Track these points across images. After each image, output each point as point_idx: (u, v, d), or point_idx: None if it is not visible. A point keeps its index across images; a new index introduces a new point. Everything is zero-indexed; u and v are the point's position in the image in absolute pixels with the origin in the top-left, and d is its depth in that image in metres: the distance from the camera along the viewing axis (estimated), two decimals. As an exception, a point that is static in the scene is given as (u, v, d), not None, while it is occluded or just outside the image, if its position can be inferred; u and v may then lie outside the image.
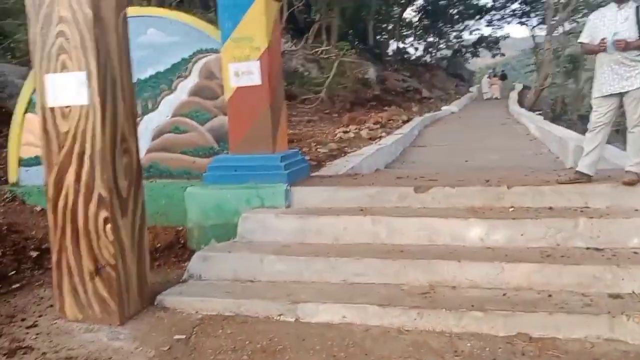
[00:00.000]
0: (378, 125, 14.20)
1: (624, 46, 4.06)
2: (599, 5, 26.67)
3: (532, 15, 37.02)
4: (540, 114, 18.84)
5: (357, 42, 28.48)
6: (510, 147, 11.02)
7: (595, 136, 4.30)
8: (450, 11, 39.26)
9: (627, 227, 3.69)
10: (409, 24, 39.58)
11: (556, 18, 27.12)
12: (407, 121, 15.69)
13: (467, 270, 3.54)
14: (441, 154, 10.53)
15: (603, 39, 4.15)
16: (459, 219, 4.00)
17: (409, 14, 38.65)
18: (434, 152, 10.86)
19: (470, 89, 34.35)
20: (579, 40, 4.50)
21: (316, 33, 22.82)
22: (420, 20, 39.85)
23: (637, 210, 3.92)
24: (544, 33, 29.79)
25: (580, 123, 24.35)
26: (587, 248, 3.68)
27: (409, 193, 4.47)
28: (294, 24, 23.83)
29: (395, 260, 3.69)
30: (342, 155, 8.93)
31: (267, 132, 4.81)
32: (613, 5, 4.27)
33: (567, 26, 29.51)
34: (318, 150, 9.35)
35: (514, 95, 27.87)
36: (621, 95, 4.17)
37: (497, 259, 3.56)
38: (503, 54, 45.11)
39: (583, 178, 4.28)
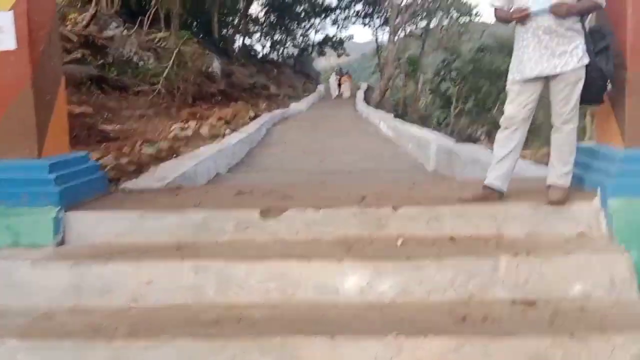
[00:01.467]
0: (222, 122, 12.60)
1: (565, 12, 2.93)
2: (437, 11, 27.48)
3: (375, 16, 37.76)
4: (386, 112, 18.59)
5: (201, 35, 26.47)
6: (365, 148, 10.08)
7: (510, 136, 3.11)
8: (297, 8, 38.66)
9: (563, 268, 2.56)
10: (256, 20, 38.29)
11: (398, 20, 27.58)
12: (255, 118, 14.28)
13: (344, 354, 2.17)
14: (293, 154, 9.25)
15: (524, 9, 3.00)
16: (327, 261, 2.62)
17: (256, 9, 37.38)
18: (285, 153, 9.56)
19: (319, 87, 33.91)
20: (492, 4, 3.28)
21: (154, 20, 20.52)
22: (267, 16, 38.75)
23: (568, 240, 2.82)
24: (386, 36, 30.42)
25: (419, 122, 24.96)
26: (514, 302, 2.49)
27: (253, 219, 2.98)
28: (127, 7, 21.22)
29: (229, 341, 2.20)
30: (174, 156, 7.25)
31: (28, 125, 3.03)
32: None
33: (408, 29, 30.36)
34: (142, 151, 7.54)
35: (360, 95, 27.80)
36: (548, 79, 3.07)
37: (389, 328, 2.24)
38: (348, 54, 45.73)
39: (493, 195, 3.13)
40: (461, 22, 31.21)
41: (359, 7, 38.95)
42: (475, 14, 31.51)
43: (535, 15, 2.98)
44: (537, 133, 12.95)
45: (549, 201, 2.95)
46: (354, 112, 20.72)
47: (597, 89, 3.02)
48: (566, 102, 3.00)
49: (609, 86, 3.08)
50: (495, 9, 3.22)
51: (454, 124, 29.65)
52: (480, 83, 30.18)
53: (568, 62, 2.96)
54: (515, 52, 3.13)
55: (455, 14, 31.02)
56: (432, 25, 31.14)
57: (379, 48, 36.40)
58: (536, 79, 3.03)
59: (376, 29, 38.05)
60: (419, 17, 30.38)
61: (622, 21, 3.02)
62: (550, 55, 2.97)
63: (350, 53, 46.15)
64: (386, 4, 30.84)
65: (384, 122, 13.96)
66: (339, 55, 44.68)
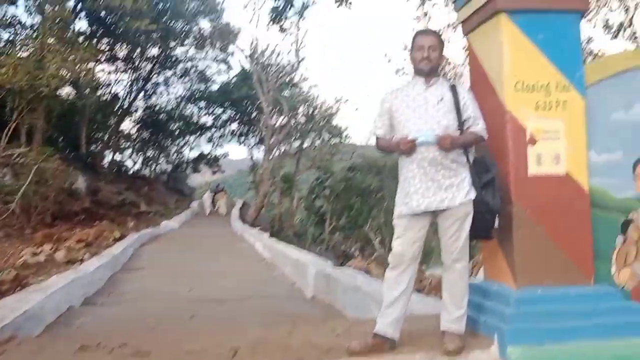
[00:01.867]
0: (82, 244, 11.59)
1: (450, 144, 2.89)
2: (310, 132, 28.67)
3: (251, 136, 38.64)
4: (262, 230, 18.37)
5: (68, 150, 25.18)
6: (240, 270, 9.63)
7: (400, 278, 2.89)
8: (171, 126, 38.58)
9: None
10: (128, 136, 37.46)
11: (273, 140, 28.36)
12: (121, 238, 13.35)
13: None
14: (160, 280, 8.53)
15: (410, 141, 2.95)
16: None
17: (128, 125, 36.69)
18: (152, 278, 8.79)
19: (192, 204, 33.21)
20: (374, 132, 3.23)
21: (14, 135, 19.18)
22: (139, 132, 38.12)
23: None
24: (262, 154, 31.05)
25: (295, 239, 25.01)
26: None
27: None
28: (-18, 121, 19.73)
29: None
30: (19, 289, 6.33)
31: None
32: (418, 82, 3.16)
33: (282, 148, 31.26)
34: (-21, 283, 6.53)
35: (235, 212, 27.51)
36: (436, 213, 2.94)
37: None
38: (223, 171, 45.82)
39: (384, 344, 2.83)
40: (332, 143, 32.75)
41: (234, 126, 39.78)
42: (346, 136, 33.39)
43: (419, 146, 2.91)
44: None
45: (445, 351, 2.72)
46: (229, 230, 20.26)
47: (485, 224, 2.94)
48: (456, 238, 2.88)
49: (497, 221, 3.00)
50: (377, 138, 3.15)
51: (328, 240, 30.11)
52: (352, 200, 31.30)
53: (455, 196, 2.89)
54: (401, 185, 3.02)
55: (327, 136, 32.59)
56: (305, 145, 32.37)
57: (254, 165, 36.93)
58: (424, 213, 2.90)
59: (251, 147, 38.84)
60: (293, 138, 31.51)
61: (504, 153, 3.04)
62: (437, 188, 2.88)
63: (225, 169, 46.26)
64: (261, 124, 31.78)
65: (260, 242, 13.67)
66: (214, 172, 44.60)
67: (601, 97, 3.29)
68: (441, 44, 3.11)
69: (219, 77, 58.32)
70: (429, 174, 2.92)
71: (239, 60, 42.45)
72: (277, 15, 11.20)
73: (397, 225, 2.96)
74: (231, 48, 33.46)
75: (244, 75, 33.01)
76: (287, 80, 29.50)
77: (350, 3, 10.38)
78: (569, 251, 2.97)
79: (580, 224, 3.03)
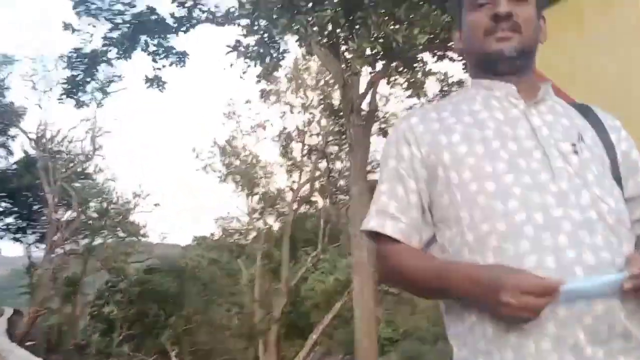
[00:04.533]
0: None
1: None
2: (101, 230, 26.07)
3: (30, 232, 33.71)
4: (34, 344, 15.14)
5: None
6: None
7: None
8: None
9: None
10: None
11: (57, 237, 25.00)
12: None
13: None
14: None
15: (545, 289, 1.04)
16: None
17: None
18: None
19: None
20: (368, 227, 1.31)
21: None
22: None
23: None
24: (42, 252, 27.00)
25: (77, 355, 21.41)
26: None
27: None
28: None
29: None
30: None
31: None
32: (498, 90, 1.32)
33: (68, 246, 27.66)
34: None
35: (1, 326, 22.79)
36: None
37: None
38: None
39: None
40: (128, 242, 30.01)
41: (9, 220, 34.48)
42: (143, 234, 30.82)
43: (570, 301, 1.32)
44: None
45: None
46: (-11, 351, 16.26)
47: None
48: None
49: None
50: (383, 245, 1.34)
51: (117, 353, 26.59)
52: (149, 305, 28.41)
53: None
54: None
55: (121, 233, 29.81)
56: (96, 243, 29.13)
57: (32, 265, 31.94)
58: None
59: (30, 245, 33.78)
60: (82, 235, 28.22)
61: None
62: None
63: (-3, 270, 39.69)
64: (43, 218, 27.92)
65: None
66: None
67: None
68: None
69: (-3, 163, 51.46)
70: (581, 349, 1.09)
71: (21, 145, 37.79)
72: (73, 88, 9.45)
73: None
74: (13, 131, 29.50)
75: (27, 162, 29.08)
76: (80, 170, 26.66)
77: (163, 85, 9.18)
78: None
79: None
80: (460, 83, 16.10)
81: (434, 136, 1.30)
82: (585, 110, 1.36)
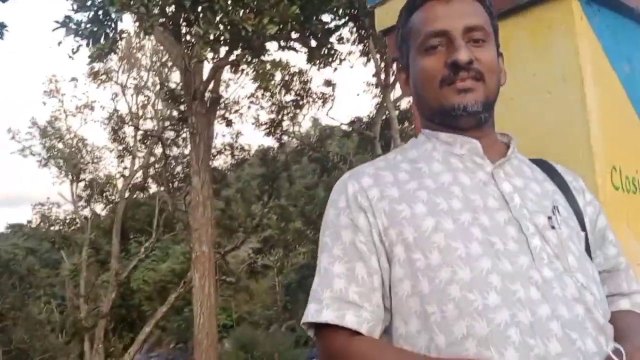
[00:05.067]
0: None
1: None
2: None
3: None
4: None
5: None
6: None
7: None
8: None
9: None
10: None
11: None
12: None
13: None
14: None
15: None
16: None
17: None
18: None
19: None
20: (310, 319, 1.03)
21: None
22: None
23: None
24: None
25: None
26: None
27: None
28: None
29: None
30: None
31: None
32: (459, 149, 1.13)
33: None
34: None
35: None
36: None
37: None
38: None
39: None
40: None
41: None
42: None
43: None
44: None
45: None
46: None
47: None
48: None
49: None
50: (333, 339, 1.05)
51: None
52: None
53: None
54: None
55: None
56: None
57: None
58: None
59: None
60: None
61: None
62: None
63: None
64: None
65: None
66: None
67: None
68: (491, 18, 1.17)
69: None
70: None
71: None
72: None
73: None
74: None
75: None
76: None
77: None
78: None
79: None
80: (301, 73, 16.37)
81: (392, 205, 1.06)
82: (548, 170, 1.21)
